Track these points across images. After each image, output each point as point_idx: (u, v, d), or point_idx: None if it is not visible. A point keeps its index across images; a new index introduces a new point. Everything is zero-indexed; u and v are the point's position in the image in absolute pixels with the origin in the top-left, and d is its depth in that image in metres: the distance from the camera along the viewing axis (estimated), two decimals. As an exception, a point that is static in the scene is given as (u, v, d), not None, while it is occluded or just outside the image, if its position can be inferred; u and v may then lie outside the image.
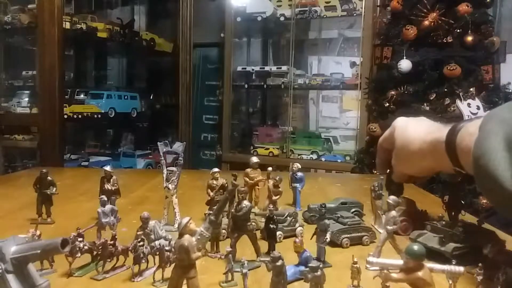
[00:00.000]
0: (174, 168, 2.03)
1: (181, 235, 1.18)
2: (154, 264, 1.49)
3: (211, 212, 1.75)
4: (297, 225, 1.98)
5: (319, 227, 1.61)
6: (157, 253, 1.45)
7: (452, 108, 4.15)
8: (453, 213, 1.78)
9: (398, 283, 1.21)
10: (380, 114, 4.57)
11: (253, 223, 1.71)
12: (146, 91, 6.56)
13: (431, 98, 4.26)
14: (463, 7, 4.15)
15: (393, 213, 1.61)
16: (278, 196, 2.25)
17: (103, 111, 5.34)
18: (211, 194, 2.02)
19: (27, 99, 5.17)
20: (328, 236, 1.59)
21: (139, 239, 1.49)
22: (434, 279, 1.16)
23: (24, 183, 2.96)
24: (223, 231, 1.82)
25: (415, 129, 1.49)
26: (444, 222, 1.79)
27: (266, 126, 6.65)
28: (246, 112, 7.18)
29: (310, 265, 1.22)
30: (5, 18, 5.15)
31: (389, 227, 1.60)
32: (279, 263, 1.19)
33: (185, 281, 1.21)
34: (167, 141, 2.07)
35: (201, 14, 6.56)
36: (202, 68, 7.24)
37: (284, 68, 6.00)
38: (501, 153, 0.94)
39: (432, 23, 4.19)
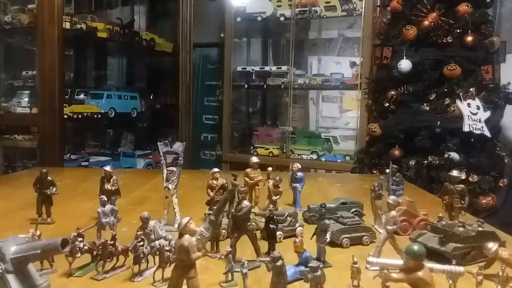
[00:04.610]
0: (174, 168, 2.03)
1: (181, 235, 1.18)
2: (154, 264, 1.49)
3: (211, 212, 1.75)
4: (297, 225, 1.98)
5: (319, 227, 1.61)
6: (157, 253, 1.46)
7: (452, 108, 4.15)
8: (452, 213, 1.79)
9: (398, 283, 1.21)
10: (380, 114, 4.57)
11: (253, 223, 1.72)
12: (146, 91, 6.56)
13: (431, 98, 4.26)
14: (463, 7, 4.15)
15: (393, 213, 1.61)
16: (278, 196, 2.25)
17: (103, 111, 5.33)
18: (211, 194, 2.02)
19: (27, 99, 5.17)
20: (328, 236, 1.59)
21: (139, 239, 1.49)
22: (434, 279, 1.16)
23: (24, 183, 2.96)
24: (223, 231, 1.82)
25: None
26: (444, 222, 1.79)
27: (266, 126, 6.65)
28: (246, 112, 7.17)
29: (310, 265, 1.23)
30: (5, 18, 5.15)
31: (389, 227, 1.60)
32: (279, 263, 1.19)
33: (185, 281, 1.21)
34: (167, 141, 2.07)
35: (201, 14, 6.56)
36: (202, 68, 7.24)
37: (284, 68, 6.00)
38: None
39: (432, 23, 4.19)
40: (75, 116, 5.14)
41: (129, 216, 2.13)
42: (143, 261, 1.47)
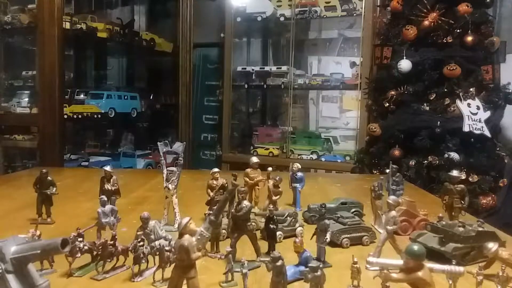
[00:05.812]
0: (174, 168, 2.03)
1: (181, 235, 1.18)
2: (154, 264, 1.49)
3: (211, 212, 1.75)
4: (297, 225, 1.98)
5: (319, 227, 1.61)
6: (157, 253, 1.46)
7: (452, 108, 4.15)
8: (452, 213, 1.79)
9: (398, 283, 1.21)
10: (380, 114, 4.57)
11: (253, 223, 1.72)
12: (146, 91, 6.56)
13: (431, 98, 4.25)
14: (463, 7, 4.15)
15: (393, 213, 1.61)
16: (278, 196, 2.25)
17: (103, 111, 5.33)
18: (211, 194, 2.02)
19: (27, 99, 5.17)
20: (328, 236, 1.59)
21: (139, 239, 1.49)
22: (434, 279, 1.16)
23: (24, 183, 2.96)
24: (223, 231, 1.82)
25: None
26: (444, 222, 1.79)
27: (266, 126, 6.65)
28: (246, 112, 7.17)
29: (310, 265, 1.23)
30: (5, 18, 5.15)
31: (389, 227, 1.60)
32: (279, 263, 1.19)
33: (185, 281, 1.21)
34: (167, 141, 2.07)
35: (201, 14, 6.56)
36: (202, 68, 7.23)
37: (284, 68, 6.00)
38: None
39: (432, 23, 4.19)
40: (75, 116, 5.13)
41: (129, 216, 2.13)
42: (143, 261, 1.47)
